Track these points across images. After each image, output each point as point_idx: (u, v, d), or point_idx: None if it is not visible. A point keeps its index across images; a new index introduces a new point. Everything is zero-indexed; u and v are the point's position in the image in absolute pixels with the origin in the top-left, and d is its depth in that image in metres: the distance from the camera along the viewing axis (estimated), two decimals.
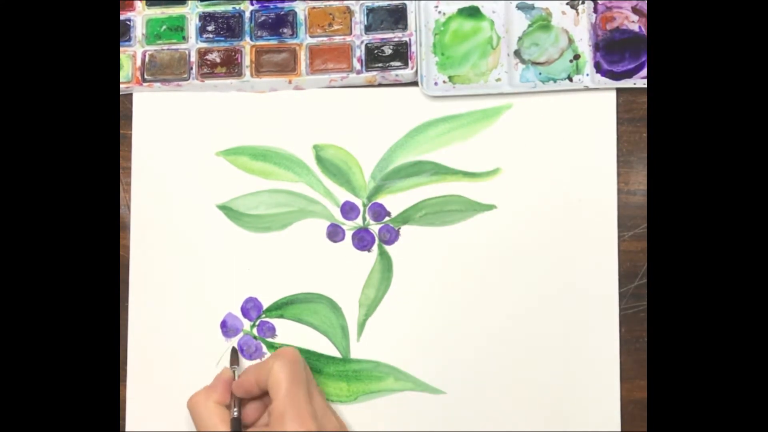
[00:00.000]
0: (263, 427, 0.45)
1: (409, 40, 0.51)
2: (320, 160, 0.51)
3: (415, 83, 0.51)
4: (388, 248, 0.50)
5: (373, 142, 0.51)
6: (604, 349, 0.49)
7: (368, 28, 0.51)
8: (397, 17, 0.51)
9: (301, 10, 0.51)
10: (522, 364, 0.49)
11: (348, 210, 0.50)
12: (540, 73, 0.50)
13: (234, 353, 0.49)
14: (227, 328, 0.50)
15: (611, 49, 0.50)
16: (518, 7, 0.51)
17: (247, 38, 0.51)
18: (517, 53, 0.51)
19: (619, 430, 0.48)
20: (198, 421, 0.44)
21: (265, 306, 0.50)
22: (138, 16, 0.52)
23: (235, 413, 0.44)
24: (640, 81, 0.50)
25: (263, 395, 0.45)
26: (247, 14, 0.51)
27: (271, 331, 0.50)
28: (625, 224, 0.50)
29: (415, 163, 0.50)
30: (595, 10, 0.51)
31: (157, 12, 0.52)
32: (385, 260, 0.50)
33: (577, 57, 0.50)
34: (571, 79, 0.50)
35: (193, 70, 0.51)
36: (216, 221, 0.50)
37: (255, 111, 0.51)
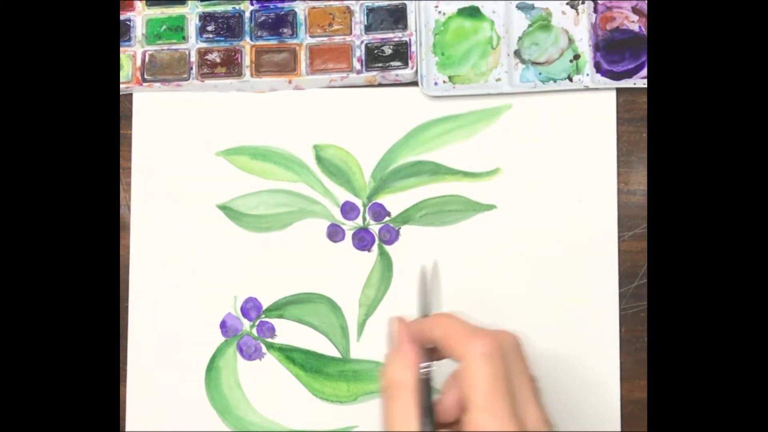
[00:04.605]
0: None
1: (409, 40, 0.51)
2: (320, 160, 0.51)
3: (415, 83, 0.51)
4: (388, 248, 0.50)
5: (373, 142, 0.50)
6: (604, 349, 0.49)
7: (368, 28, 0.51)
8: (397, 17, 0.51)
9: (301, 10, 0.51)
10: None
11: (348, 210, 0.50)
12: (540, 73, 0.50)
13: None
14: (227, 328, 0.50)
15: (611, 49, 0.50)
16: (518, 7, 0.51)
17: (247, 38, 0.51)
18: (517, 53, 0.51)
19: (619, 430, 0.48)
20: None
21: (264, 306, 0.50)
22: (138, 16, 0.52)
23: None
24: (640, 81, 0.50)
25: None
26: (247, 14, 0.51)
27: (271, 331, 0.50)
28: (625, 224, 0.50)
29: (415, 163, 0.50)
30: (595, 10, 0.51)
31: (157, 12, 0.52)
32: (385, 260, 0.50)
33: (577, 57, 0.50)
34: (571, 79, 0.50)
35: (193, 70, 0.51)
36: (216, 221, 0.50)
37: (255, 111, 0.51)
